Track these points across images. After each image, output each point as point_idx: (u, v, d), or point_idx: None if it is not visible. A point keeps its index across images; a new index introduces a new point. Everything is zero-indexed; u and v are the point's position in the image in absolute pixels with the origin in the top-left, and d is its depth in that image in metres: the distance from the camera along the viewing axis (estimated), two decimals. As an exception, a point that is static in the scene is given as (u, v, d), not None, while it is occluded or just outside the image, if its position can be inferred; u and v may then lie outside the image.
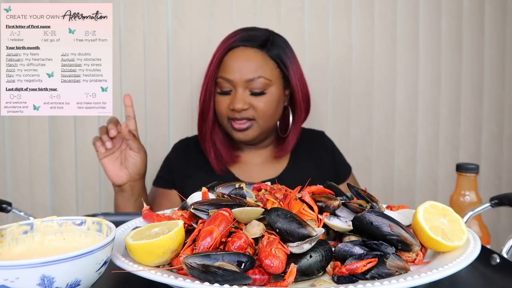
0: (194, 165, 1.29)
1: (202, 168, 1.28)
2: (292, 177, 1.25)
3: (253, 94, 1.18)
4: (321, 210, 0.68)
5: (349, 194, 0.76)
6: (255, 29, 1.26)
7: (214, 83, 1.21)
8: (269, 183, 0.77)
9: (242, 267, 0.55)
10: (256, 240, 0.61)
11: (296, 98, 1.25)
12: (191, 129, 1.56)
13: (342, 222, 0.67)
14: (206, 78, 1.22)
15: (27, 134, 1.50)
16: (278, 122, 1.29)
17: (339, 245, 0.61)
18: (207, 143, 1.26)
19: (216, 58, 1.20)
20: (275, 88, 1.21)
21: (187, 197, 0.78)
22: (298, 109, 1.26)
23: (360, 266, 0.57)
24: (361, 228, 0.63)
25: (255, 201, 0.69)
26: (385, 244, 0.61)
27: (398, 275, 0.58)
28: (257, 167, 1.30)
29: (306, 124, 1.39)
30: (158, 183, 1.32)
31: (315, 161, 1.32)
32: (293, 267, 0.56)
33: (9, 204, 1.01)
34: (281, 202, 0.68)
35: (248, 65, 1.18)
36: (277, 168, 1.29)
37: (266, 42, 1.22)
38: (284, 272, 0.56)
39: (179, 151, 1.34)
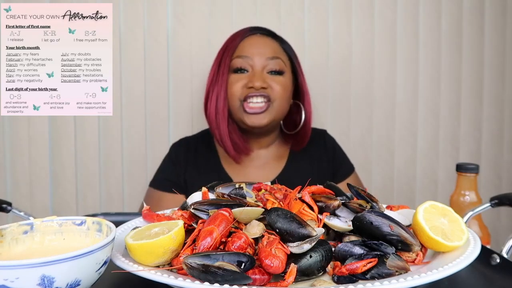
0: (197, 166, 1.28)
1: (205, 168, 1.27)
2: (289, 179, 1.24)
3: (271, 73, 1.19)
4: (321, 210, 0.68)
5: (349, 194, 0.76)
6: (262, 27, 1.29)
7: (228, 67, 1.20)
8: (269, 183, 0.77)
9: (242, 267, 0.55)
10: (256, 240, 0.61)
11: (304, 91, 1.28)
12: (191, 129, 1.56)
13: (342, 222, 0.67)
14: (218, 64, 1.21)
15: (27, 134, 1.50)
16: (281, 121, 1.29)
17: (339, 245, 0.61)
18: (223, 133, 1.20)
19: (232, 44, 1.20)
20: (288, 76, 1.24)
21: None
22: (307, 104, 1.28)
23: (360, 266, 0.57)
24: (361, 228, 0.63)
25: (255, 201, 0.69)
26: (385, 244, 0.61)
27: (398, 275, 0.58)
28: (256, 169, 1.29)
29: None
30: (165, 187, 1.25)
31: (314, 162, 1.31)
32: (293, 267, 0.56)
33: (9, 204, 1.01)
34: (281, 202, 0.68)
35: (267, 47, 1.21)
36: (275, 170, 1.29)
37: (276, 36, 1.27)
38: (284, 272, 0.56)
39: (182, 151, 1.30)
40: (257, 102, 1.18)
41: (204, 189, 0.77)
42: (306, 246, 0.58)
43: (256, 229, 0.61)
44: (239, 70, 1.19)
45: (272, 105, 1.19)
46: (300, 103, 1.29)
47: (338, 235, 0.68)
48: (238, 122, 1.23)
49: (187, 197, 1.11)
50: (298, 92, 1.29)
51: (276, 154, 1.30)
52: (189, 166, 1.28)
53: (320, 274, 0.60)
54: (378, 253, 0.59)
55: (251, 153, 1.27)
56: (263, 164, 1.29)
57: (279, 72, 1.20)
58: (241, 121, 1.21)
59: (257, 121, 1.19)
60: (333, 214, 0.69)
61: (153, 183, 1.29)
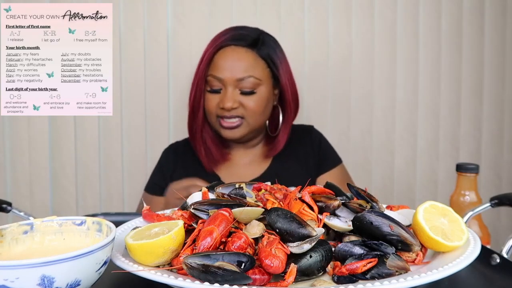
0: (186, 169, 1.29)
1: (193, 171, 1.28)
2: (274, 176, 1.24)
3: (243, 93, 1.19)
4: (321, 210, 0.68)
5: (349, 194, 0.76)
6: (245, 28, 1.26)
7: (204, 81, 1.22)
8: (269, 183, 0.77)
9: (242, 267, 0.55)
10: (256, 240, 0.61)
11: (286, 97, 1.26)
12: (191, 129, 1.56)
13: (342, 222, 0.67)
14: (196, 76, 1.23)
15: (27, 134, 1.50)
16: (267, 122, 1.30)
17: (339, 245, 0.61)
18: (197, 142, 1.27)
19: (206, 56, 1.21)
20: (264, 88, 1.22)
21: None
22: (288, 108, 1.27)
23: (360, 266, 0.57)
24: (361, 228, 0.63)
25: (255, 201, 0.69)
26: (385, 244, 0.61)
27: (398, 275, 0.58)
28: (243, 166, 1.30)
29: (306, 123, 1.39)
30: (154, 190, 1.31)
31: (299, 158, 1.31)
32: (293, 267, 0.56)
33: (9, 204, 1.01)
34: (281, 202, 0.68)
35: (239, 65, 1.19)
36: (261, 167, 1.30)
37: (257, 41, 1.22)
38: (284, 272, 0.56)
39: (170, 156, 1.34)
40: (230, 122, 1.21)
41: (204, 189, 0.77)
42: (306, 246, 0.58)
43: (256, 229, 0.61)
44: (213, 90, 1.21)
45: (245, 121, 1.22)
46: (279, 108, 1.28)
47: (338, 235, 0.68)
48: (216, 132, 1.27)
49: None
50: (282, 95, 1.27)
51: (262, 152, 1.31)
52: (177, 168, 1.31)
53: (320, 274, 0.60)
54: (378, 253, 0.59)
55: (230, 158, 1.30)
56: (249, 162, 1.31)
57: (251, 92, 1.19)
58: (218, 132, 1.25)
59: (232, 134, 1.23)
60: (333, 214, 0.69)
61: (146, 187, 1.35)
